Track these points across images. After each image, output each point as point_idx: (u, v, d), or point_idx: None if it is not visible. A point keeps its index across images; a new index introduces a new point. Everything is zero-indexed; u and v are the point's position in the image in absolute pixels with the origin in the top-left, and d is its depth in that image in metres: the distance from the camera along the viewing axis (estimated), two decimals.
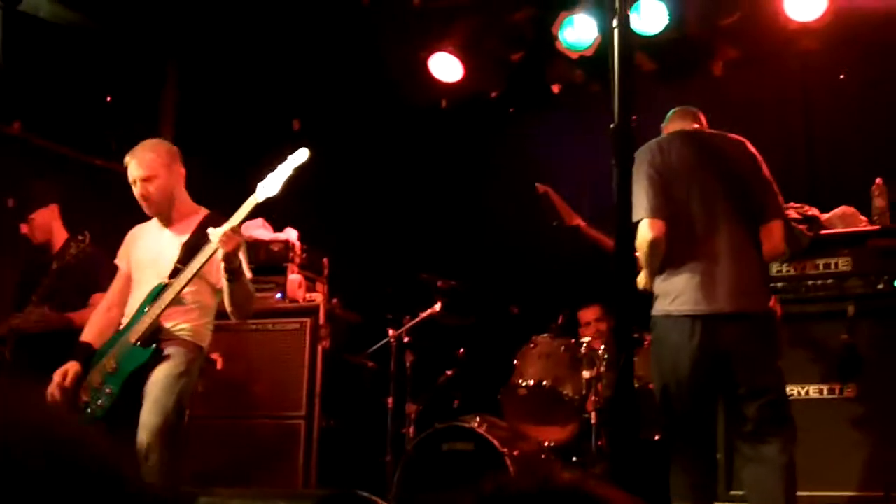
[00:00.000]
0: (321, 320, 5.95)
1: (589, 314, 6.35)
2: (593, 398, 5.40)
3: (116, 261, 4.60)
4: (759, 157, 4.19)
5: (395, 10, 7.10)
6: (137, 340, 4.15)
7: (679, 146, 4.14)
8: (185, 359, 4.21)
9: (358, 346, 6.41)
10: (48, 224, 5.47)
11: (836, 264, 4.81)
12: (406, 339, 6.05)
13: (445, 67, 7.13)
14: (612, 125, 2.44)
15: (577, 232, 4.42)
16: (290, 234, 6.52)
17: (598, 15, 6.39)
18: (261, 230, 6.47)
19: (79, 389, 4.21)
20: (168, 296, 4.14)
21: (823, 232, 4.94)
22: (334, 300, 6.39)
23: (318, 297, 6.21)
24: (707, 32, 6.58)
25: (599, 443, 5.33)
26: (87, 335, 4.42)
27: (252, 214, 4.13)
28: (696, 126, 4.36)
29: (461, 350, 6.11)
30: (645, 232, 3.93)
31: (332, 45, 7.28)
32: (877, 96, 6.53)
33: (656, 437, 4.91)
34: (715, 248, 4.00)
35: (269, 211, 5.48)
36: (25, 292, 5.32)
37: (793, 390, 4.58)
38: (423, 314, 6.00)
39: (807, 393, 4.76)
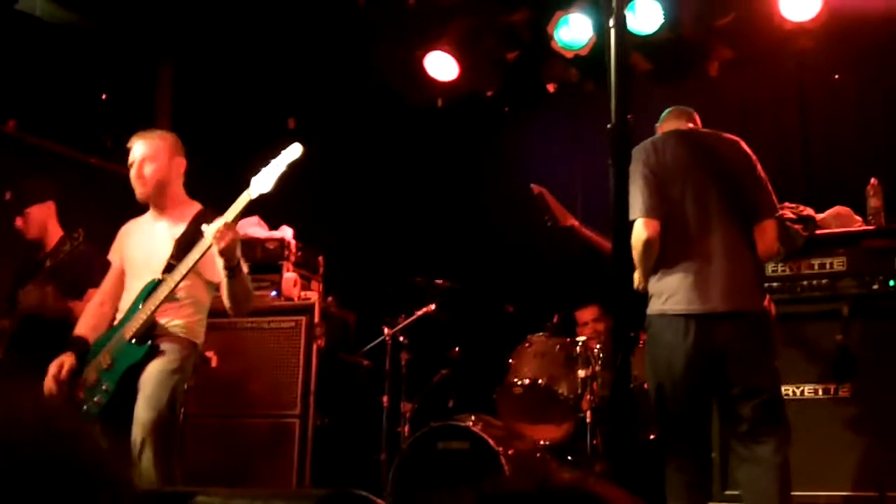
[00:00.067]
0: (316, 319, 5.96)
1: (586, 314, 6.35)
2: (588, 397, 5.40)
3: (109, 256, 4.59)
4: (754, 157, 4.20)
5: (390, 8, 7.09)
6: (132, 337, 4.14)
7: (673, 145, 4.14)
8: (179, 355, 4.21)
9: (353, 345, 6.42)
10: (43, 220, 5.46)
11: (831, 264, 4.82)
12: (401, 338, 6.05)
13: (441, 66, 7.14)
14: (609, 125, 2.44)
15: (572, 232, 4.42)
16: (286, 232, 6.52)
17: (594, 14, 6.40)
18: (256, 228, 6.47)
19: (75, 382, 4.21)
20: (162, 292, 4.13)
21: (818, 232, 4.95)
22: (329, 298, 6.40)
23: (313, 296, 6.22)
24: (702, 32, 6.59)
25: (595, 442, 5.34)
26: (81, 329, 4.42)
27: (246, 211, 4.13)
28: (691, 126, 4.37)
29: (456, 349, 6.12)
30: (639, 231, 3.93)
31: (328, 44, 7.28)
32: (872, 96, 6.55)
33: (651, 437, 4.92)
34: (709, 247, 4.00)
35: (264, 207, 5.48)
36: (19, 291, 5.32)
37: (787, 390, 4.59)
38: (419, 312, 6.00)
39: (801, 393, 4.77)
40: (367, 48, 7.16)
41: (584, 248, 4.43)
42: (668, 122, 4.40)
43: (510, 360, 5.73)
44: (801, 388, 4.77)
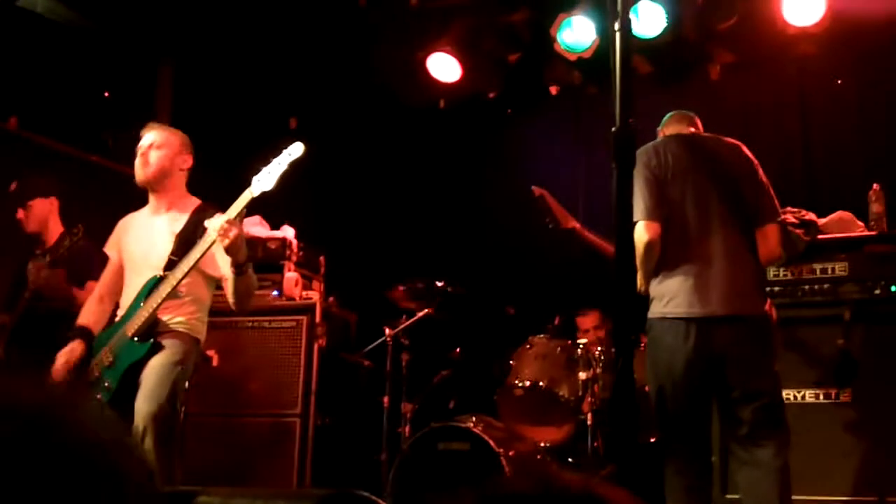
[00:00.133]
0: (317, 318, 5.96)
1: (588, 321, 6.32)
2: (589, 399, 5.41)
3: (105, 249, 4.59)
4: (755, 161, 4.20)
5: (392, 9, 7.10)
6: (134, 335, 4.14)
7: (675, 149, 4.15)
8: (181, 349, 4.20)
9: (354, 345, 6.42)
10: (45, 215, 5.47)
11: (833, 269, 4.82)
12: (402, 339, 6.05)
13: (443, 67, 7.15)
14: (612, 128, 2.44)
15: (573, 235, 4.42)
16: (288, 231, 6.52)
17: (597, 17, 6.39)
18: (258, 227, 6.47)
19: (84, 369, 4.21)
20: (164, 289, 4.12)
21: (820, 237, 4.95)
22: (331, 298, 6.40)
23: (314, 295, 6.22)
24: (704, 36, 6.59)
25: (595, 444, 5.34)
26: (84, 321, 4.43)
27: (248, 209, 4.13)
28: (692, 130, 4.37)
29: (457, 350, 6.12)
30: (640, 234, 3.94)
31: (330, 44, 7.28)
32: (874, 101, 6.55)
33: (652, 440, 4.92)
34: (709, 250, 4.01)
35: (266, 207, 5.49)
36: (19, 289, 5.31)
37: (788, 394, 4.59)
38: (420, 313, 6.00)
39: (802, 397, 4.77)
40: (368, 49, 7.17)
41: (585, 251, 4.43)
42: (670, 127, 4.41)
43: (511, 362, 5.73)
44: (802, 393, 4.77)
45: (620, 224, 2.41)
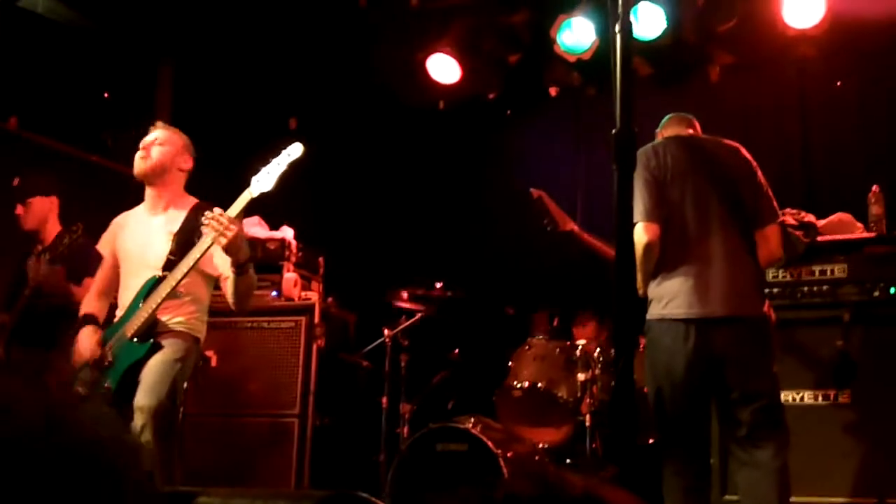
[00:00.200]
0: (316, 319, 5.96)
1: (584, 333, 6.16)
2: (588, 400, 5.41)
3: (99, 247, 4.59)
4: (754, 163, 4.20)
5: (392, 10, 7.10)
6: (134, 336, 4.14)
7: (674, 150, 4.15)
8: (181, 347, 4.21)
9: (353, 346, 6.42)
10: (44, 213, 5.47)
11: (832, 271, 4.82)
12: (401, 340, 6.05)
13: (443, 68, 7.15)
14: (613, 130, 2.44)
15: (571, 236, 4.42)
16: (287, 232, 6.52)
17: (596, 18, 6.39)
18: (257, 228, 6.47)
19: (103, 351, 4.21)
20: (164, 289, 4.11)
21: (819, 238, 4.95)
22: (329, 299, 6.40)
23: (313, 296, 6.22)
24: (704, 38, 6.59)
25: (594, 445, 5.34)
26: (87, 311, 4.43)
27: (247, 210, 4.13)
28: (691, 132, 4.38)
29: (456, 351, 6.12)
30: (640, 235, 3.93)
31: (330, 45, 7.28)
32: (874, 103, 6.55)
33: (650, 441, 4.92)
34: (708, 251, 4.01)
35: (265, 207, 5.49)
36: (19, 287, 5.32)
37: (787, 396, 4.59)
38: (419, 314, 6.00)
39: (801, 399, 4.77)
40: (368, 49, 7.17)
41: (584, 253, 4.44)
42: (669, 128, 4.41)
43: (510, 363, 5.73)
44: (801, 394, 4.77)
45: (621, 225, 2.41)
